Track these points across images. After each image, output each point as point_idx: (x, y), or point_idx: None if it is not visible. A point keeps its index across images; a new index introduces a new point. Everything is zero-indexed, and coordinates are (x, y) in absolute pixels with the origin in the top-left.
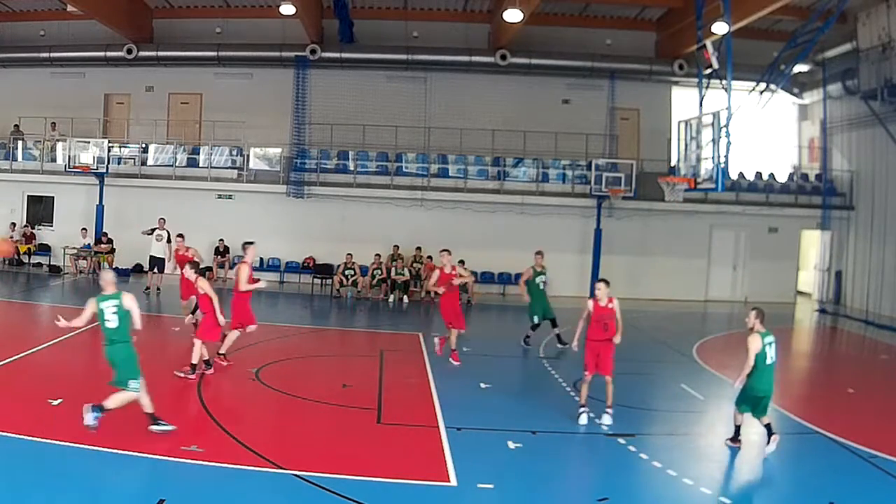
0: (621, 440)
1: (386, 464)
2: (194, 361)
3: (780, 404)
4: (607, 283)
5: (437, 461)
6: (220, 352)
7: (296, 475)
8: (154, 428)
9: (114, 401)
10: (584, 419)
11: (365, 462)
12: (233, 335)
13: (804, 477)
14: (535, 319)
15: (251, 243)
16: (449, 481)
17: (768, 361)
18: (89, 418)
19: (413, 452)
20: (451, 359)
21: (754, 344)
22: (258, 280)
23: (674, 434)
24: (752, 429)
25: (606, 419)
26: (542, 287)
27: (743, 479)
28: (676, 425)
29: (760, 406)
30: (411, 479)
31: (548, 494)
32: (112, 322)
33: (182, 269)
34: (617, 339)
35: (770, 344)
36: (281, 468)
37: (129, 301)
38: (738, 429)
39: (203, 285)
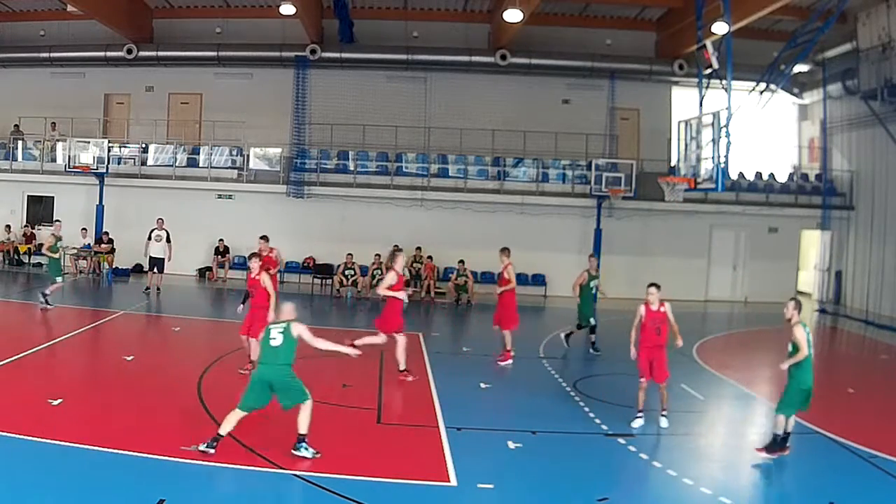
0: (621, 440)
1: (386, 464)
2: (254, 358)
3: None
4: (658, 286)
5: (437, 461)
6: (402, 368)
7: (296, 475)
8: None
9: (305, 422)
10: (636, 423)
11: (365, 462)
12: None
13: (804, 477)
14: (593, 321)
15: (400, 250)
16: (449, 481)
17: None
18: (307, 454)
19: (413, 452)
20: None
21: (802, 334)
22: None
23: (674, 434)
24: (753, 428)
25: (663, 422)
26: (594, 291)
27: (743, 479)
28: (676, 425)
29: (807, 400)
30: (411, 479)
31: (548, 494)
32: (276, 340)
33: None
34: (679, 342)
35: (809, 334)
36: (281, 468)
37: (298, 327)
38: (786, 436)
39: (265, 281)
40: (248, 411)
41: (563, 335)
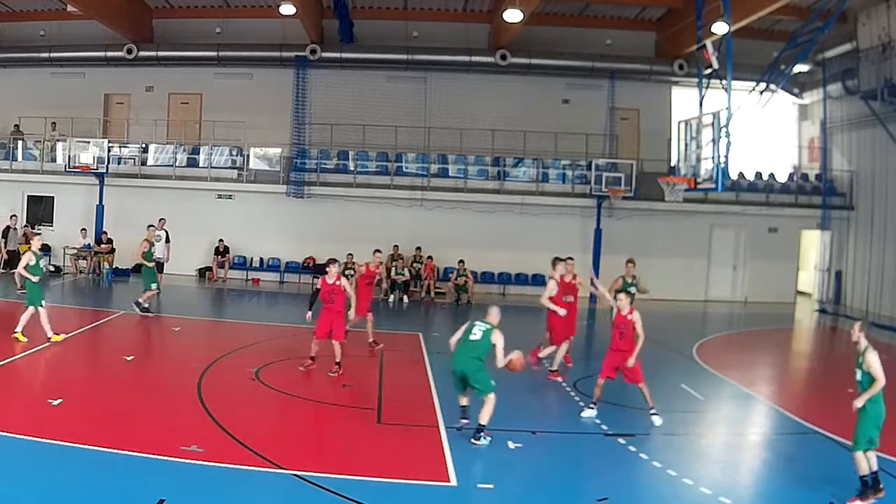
0: (621, 440)
1: (386, 464)
2: (338, 360)
3: (781, 404)
4: (629, 294)
5: (437, 461)
6: (552, 368)
7: (296, 475)
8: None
9: (486, 414)
10: (586, 413)
11: (365, 462)
12: (560, 349)
13: (804, 477)
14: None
15: (562, 260)
16: (449, 481)
17: None
18: (485, 442)
19: (413, 452)
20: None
21: (877, 360)
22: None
23: (674, 434)
24: (752, 428)
25: (656, 420)
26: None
27: (743, 479)
28: (676, 425)
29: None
30: (411, 479)
31: (548, 494)
32: (476, 336)
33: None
34: (630, 361)
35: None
36: (281, 468)
37: (498, 336)
38: (874, 475)
39: (345, 284)
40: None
41: None
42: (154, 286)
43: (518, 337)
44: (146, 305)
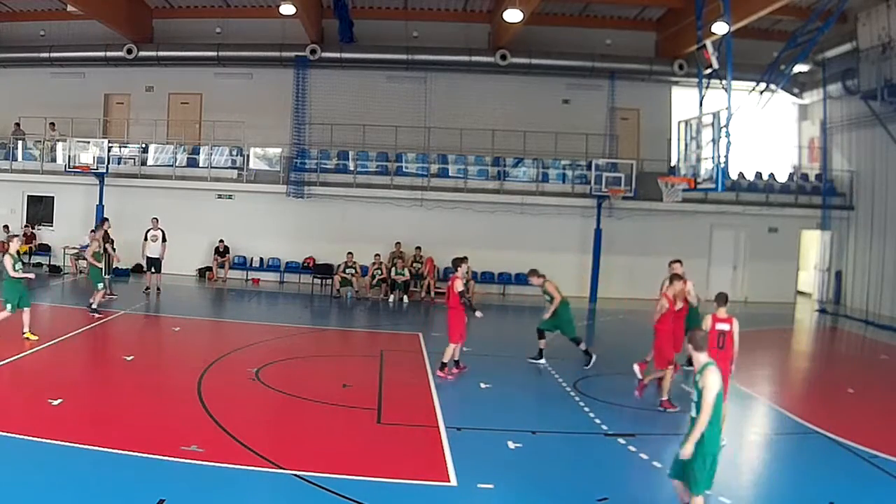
0: (621, 440)
1: (386, 464)
2: (445, 360)
3: (781, 404)
4: None
5: (437, 461)
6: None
7: (296, 475)
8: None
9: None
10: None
11: (365, 462)
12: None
13: (804, 477)
14: None
15: (678, 261)
16: (449, 481)
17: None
18: None
19: (413, 452)
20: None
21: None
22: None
23: (674, 434)
24: (752, 428)
25: None
26: None
27: (743, 479)
28: (676, 425)
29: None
30: (411, 479)
31: (548, 494)
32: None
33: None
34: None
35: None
36: (281, 468)
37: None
38: None
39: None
40: None
41: None
42: (101, 286)
43: (518, 337)
44: (96, 305)
